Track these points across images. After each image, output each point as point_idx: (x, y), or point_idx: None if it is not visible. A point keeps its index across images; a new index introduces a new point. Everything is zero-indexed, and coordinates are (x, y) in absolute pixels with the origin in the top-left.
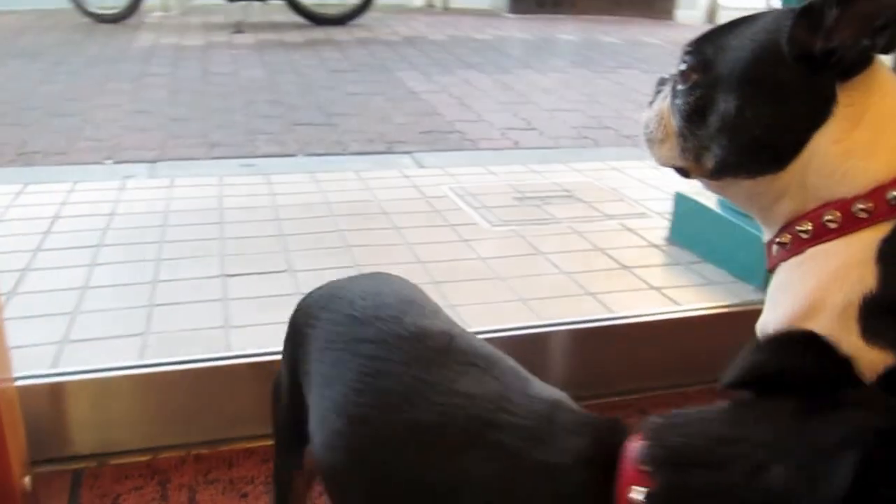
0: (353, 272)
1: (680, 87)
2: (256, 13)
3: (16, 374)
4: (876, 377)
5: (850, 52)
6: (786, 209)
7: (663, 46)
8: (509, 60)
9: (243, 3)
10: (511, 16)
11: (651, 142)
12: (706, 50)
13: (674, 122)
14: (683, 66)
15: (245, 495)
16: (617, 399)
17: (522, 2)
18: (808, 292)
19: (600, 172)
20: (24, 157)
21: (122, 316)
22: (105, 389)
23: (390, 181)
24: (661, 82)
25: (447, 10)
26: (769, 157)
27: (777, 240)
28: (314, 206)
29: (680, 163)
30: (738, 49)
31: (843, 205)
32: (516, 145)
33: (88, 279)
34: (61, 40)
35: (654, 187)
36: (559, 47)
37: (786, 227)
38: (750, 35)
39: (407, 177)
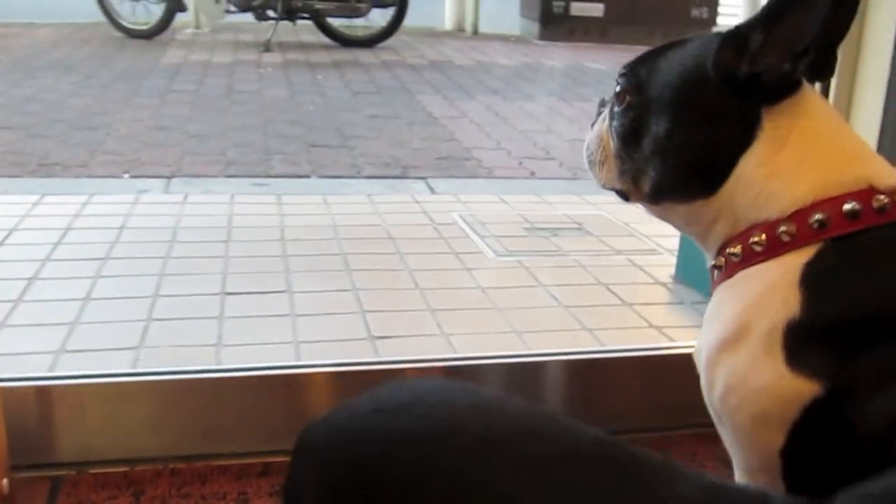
0: (350, 295)
1: (616, 109)
2: (286, 33)
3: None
4: (802, 409)
5: (772, 76)
6: (720, 233)
7: None
8: (534, 88)
9: (273, 22)
10: (541, 42)
11: (592, 164)
12: (640, 72)
13: (612, 145)
14: (618, 88)
15: None
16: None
17: (553, 29)
18: (736, 316)
19: (614, 206)
20: (45, 168)
21: (118, 329)
22: (89, 397)
23: (400, 206)
24: (602, 104)
25: (477, 34)
26: (700, 181)
27: (714, 263)
28: (321, 229)
29: (619, 185)
30: (668, 72)
31: (768, 227)
32: (532, 175)
33: (91, 291)
34: (93, 54)
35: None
36: (587, 76)
37: (721, 251)
38: (679, 58)
39: (418, 202)
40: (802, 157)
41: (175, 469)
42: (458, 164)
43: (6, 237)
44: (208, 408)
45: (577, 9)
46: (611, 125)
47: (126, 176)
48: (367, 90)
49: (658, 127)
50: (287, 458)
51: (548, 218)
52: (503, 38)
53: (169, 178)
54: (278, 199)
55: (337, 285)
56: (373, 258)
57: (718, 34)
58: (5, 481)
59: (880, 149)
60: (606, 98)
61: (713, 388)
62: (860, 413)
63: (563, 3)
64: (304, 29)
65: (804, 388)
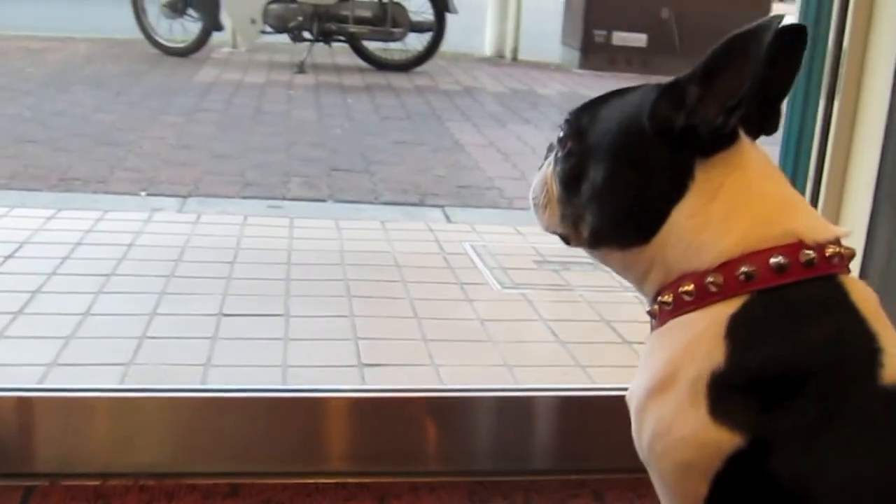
0: (346, 321)
1: (559, 154)
2: (322, 54)
3: None
4: (724, 459)
5: (706, 129)
6: (654, 281)
7: None
8: None
9: (308, 43)
10: (581, 71)
11: (536, 207)
12: (582, 119)
13: (555, 189)
14: (561, 134)
15: None
16: (573, 477)
17: (594, 58)
18: (664, 364)
19: None
20: (65, 182)
21: (112, 345)
22: (67, 411)
23: (412, 234)
24: (550, 148)
25: (516, 61)
26: (634, 229)
27: (648, 310)
28: (328, 253)
29: (561, 230)
30: (608, 120)
31: (697, 278)
32: None
33: (91, 306)
34: (126, 70)
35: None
36: None
37: (655, 299)
38: (619, 108)
39: (431, 230)
40: (732, 209)
41: (145, 486)
42: (479, 194)
43: (17, 250)
44: (183, 427)
45: (619, 38)
46: (554, 169)
47: (143, 193)
48: (396, 115)
49: (596, 174)
50: (257, 481)
51: (560, 252)
52: (543, 66)
53: (185, 197)
54: (290, 222)
55: (334, 311)
56: (375, 285)
57: (659, 85)
58: None
59: (882, 168)
60: (554, 143)
61: (641, 435)
62: (781, 467)
63: (604, 32)
64: (341, 51)
65: (726, 439)
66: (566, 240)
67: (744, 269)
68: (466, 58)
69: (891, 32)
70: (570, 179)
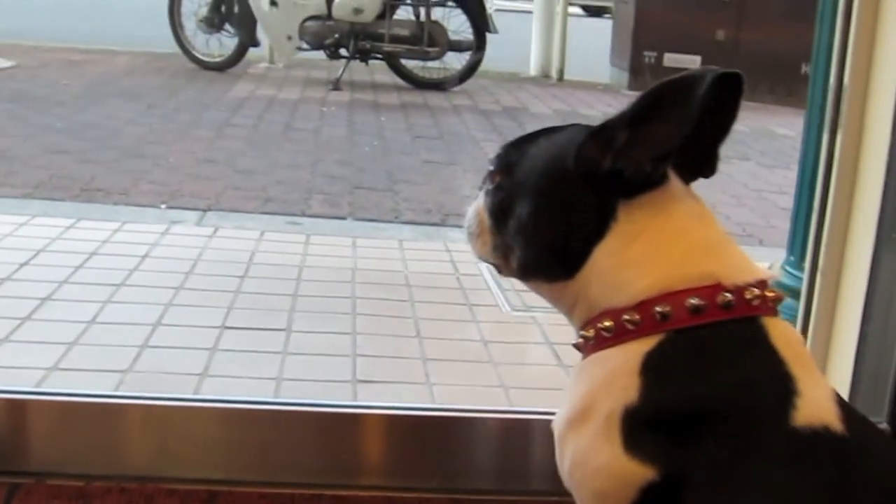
0: (347, 338)
1: (489, 186)
2: (360, 72)
3: None
4: (639, 491)
5: (633, 174)
6: (580, 315)
7: (796, 138)
8: None
9: (344, 60)
10: (629, 93)
11: (470, 235)
12: (511, 155)
13: (486, 220)
14: (491, 168)
15: None
16: (556, 499)
17: (644, 79)
18: (583, 396)
19: None
20: (87, 193)
21: (113, 352)
22: (57, 414)
23: (429, 254)
24: (484, 180)
25: (562, 81)
26: (559, 265)
27: (574, 343)
28: (340, 271)
29: (492, 259)
30: (535, 158)
31: (616, 315)
32: None
33: (97, 315)
34: (162, 84)
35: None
36: None
37: (579, 332)
38: (546, 146)
39: (448, 251)
40: (653, 251)
41: (125, 488)
42: None
43: (32, 258)
44: (166, 433)
45: (670, 60)
46: (485, 201)
47: (163, 206)
48: (428, 134)
49: (522, 209)
50: (234, 489)
51: None
52: (590, 87)
53: (204, 210)
54: (306, 239)
55: (337, 328)
56: (382, 304)
57: (588, 127)
58: None
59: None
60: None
61: (563, 462)
62: (692, 501)
63: (655, 53)
64: (379, 68)
65: (639, 472)
66: (498, 269)
67: (659, 308)
68: (510, 78)
69: (891, 68)
70: (499, 213)
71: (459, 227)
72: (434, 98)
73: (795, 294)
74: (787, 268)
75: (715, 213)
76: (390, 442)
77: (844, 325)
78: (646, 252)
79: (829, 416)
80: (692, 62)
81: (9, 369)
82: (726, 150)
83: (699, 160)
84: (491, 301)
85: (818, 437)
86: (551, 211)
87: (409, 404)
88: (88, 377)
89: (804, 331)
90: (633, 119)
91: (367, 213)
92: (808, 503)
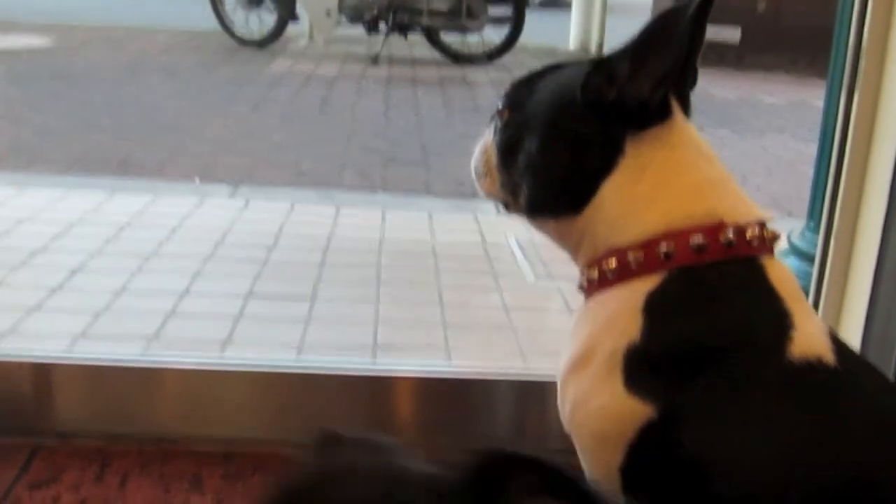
0: (370, 306)
1: (498, 124)
2: (400, 47)
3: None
4: (637, 430)
5: (634, 102)
6: (585, 254)
7: None
8: None
9: (383, 35)
10: None
11: (477, 175)
12: (521, 91)
13: (494, 158)
14: (500, 105)
15: (168, 490)
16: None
17: None
18: (586, 338)
19: None
20: (123, 168)
21: (140, 319)
22: (80, 377)
23: (458, 225)
24: (492, 118)
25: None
26: (566, 200)
27: (579, 284)
28: (367, 241)
29: (500, 197)
30: (543, 92)
31: (620, 254)
32: None
33: (126, 284)
34: (201, 61)
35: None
36: (709, 104)
37: (583, 273)
38: (555, 81)
39: (477, 222)
40: (659, 187)
41: (143, 449)
42: None
43: (66, 230)
44: (186, 396)
45: (710, 32)
46: (493, 139)
47: (197, 180)
48: (465, 108)
49: (530, 144)
50: (247, 449)
51: None
52: None
53: (237, 184)
54: (336, 211)
55: (361, 296)
56: (407, 273)
57: (592, 61)
58: None
59: None
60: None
61: (563, 406)
62: (687, 439)
63: None
64: (419, 43)
65: (638, 410)
66: (506, 206)
67: (664, 247)
68: (550, 52)
69: None
70: (508, 149)
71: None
72: (472, 73)
73: (813, 260)
74: (807, 233)
75: (746, 184)
76: (405, 403)
77: (856, 288)
78: (652, 189)
79: (823, 349)
80: (731, 34)
81: (38, 337)
82: (761, 123)
83: (683, 78)
84: (516, 270)
85: (812, 368)
86: (560, 144)
87: (426, 367)
88: (114, 345)
89: (817, 294)
90: (634, 51)
91: (398, 186)
92: (800, 431)
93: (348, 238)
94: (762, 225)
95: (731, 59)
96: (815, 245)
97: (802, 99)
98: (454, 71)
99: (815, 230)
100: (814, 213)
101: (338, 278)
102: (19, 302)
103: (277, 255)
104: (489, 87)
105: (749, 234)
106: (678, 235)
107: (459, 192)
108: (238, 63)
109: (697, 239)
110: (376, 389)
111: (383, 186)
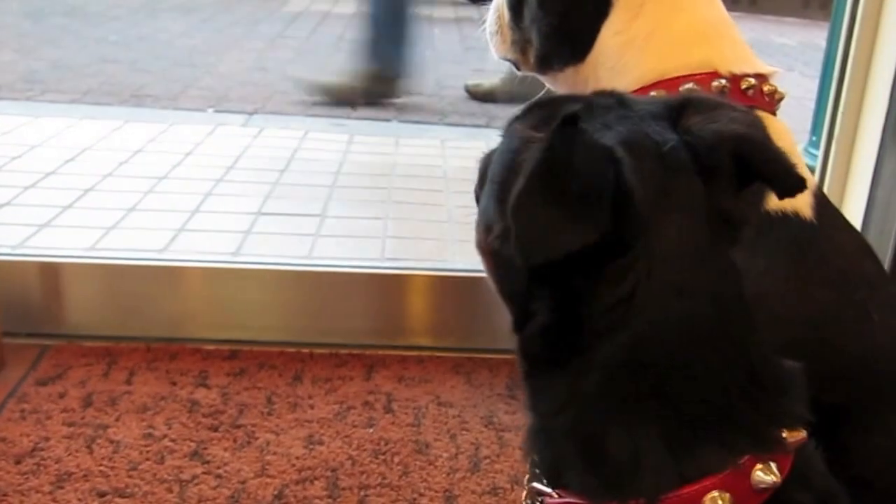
0: (379, 223)
1: None
2: None
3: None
4: None
5: None
6: None
7: None
8: None
9: None
10: None
11: (490, 35)
12: None
13: (505, 16)
14: None
15: (174, 383)
16: None
17: None
18: None
19: None
20: (136, 98)
21: (148, 235)
22: (88, 277)
23: (470, 152)
24: None
25: None
26: (569, 48)
27: None
28: (380, 166)
29: (511, 55)
30: None
31: None
32: None
33: (137, 203)
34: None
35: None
36: None
37: None
38: None
39: (489, 149)
40: (655, 29)
41: (151, 347)
42: None
43: (77, 154)
44: (192, 296)
45: None
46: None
47: (210, 110)
48: (480, 46)
49: None
50: (255, 348)
51: None
52: None
53: (251, 113)
54: (350, 138)
55: (371, 213)
56: (417, 194)
57: None
58: None
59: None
60: None
61: None
62: None
63: None
64: None
65: None
66: (517, 66)
67: (654, 94)
68: None
69: None
70: (516, 4)
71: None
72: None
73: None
74: (810, 149)
75: None
76: (403, 302)
77: (855, 191)
78: (648, 31)
79: (801, 205)
80: None
81: (48, 249)
82: (772, 61)
83: None
84: None
85: (785, 219)
86: None
87: (425, 266)
88: (127, 252)
89: None
90: None
91: (412, 115)
92: (766, 278)
93: (360, 162)
94: (762, 77)
95: (745, 3)
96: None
97: (812, 40)
98: (471, 11)
99: (817, 144)
100: (816, 127)
101: (349, 198)
102: (30, 220)
103: (288, 177)
104: None
105: (744, 84)
106: (670, 83)
107: (473, 121)
108: (255, 2)
109: (688, 87)
110: (384, 287)
111: (397, 115)
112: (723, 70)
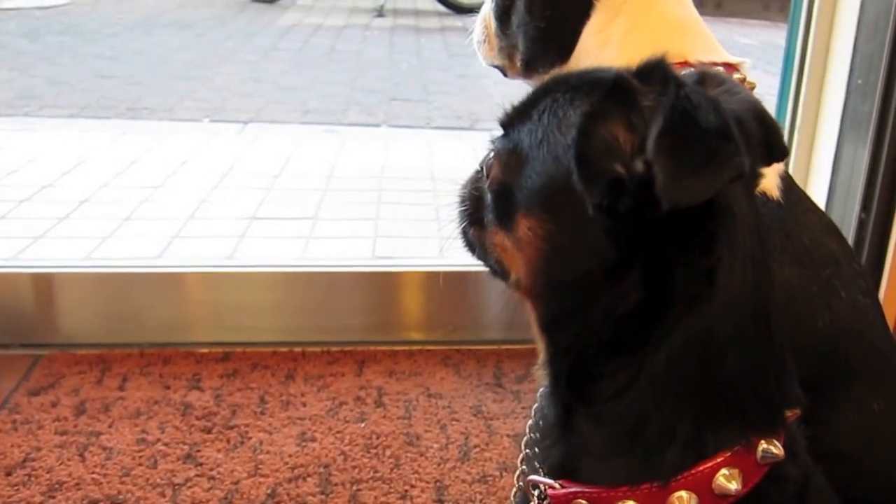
0: (370, 223)
1: None
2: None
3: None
4: None
5: None
6: None
7: None
8: None
9: None
10: None
11: (478, 43)
12: None
13: (492, 25)
14: None
15: (168, 387)
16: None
17: None
18: None
19: None
20: (133, 111)
21: (143, 244)
22: (79, 286)
23: (455, 153)
24: None
25: None
26: (554, 50)
27: None
28: (369, 169)
29: (498, 61)
30: None
31: None
32: None
33: (132, 213)
34: (213, 15)
35: None
36: None
37: None
38: None
39: (474, 150)
40: (632, 28)
41: (144, 353)
42: None
43: (75, 166)
44: (184, 301)
45: None
46: (491, 7)
47: (206, 120)
48: (466, 53)
49: (520, 2)
50: (248, 349)
51: None
52: None
53: (246, 123)
54: (341, 144)
55: (362, 214)
56: (406, 194)
57: None
58: None
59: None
60: None
61: None
62: None
63: None
64: None
65: None
66: (504, 72)
67: None
68: None
69: None
70: (503, 13)
71: (488, 130)
72: (473, 22)
73: None
74: None
75: None
76: (393, 298)
77: (818, 178)
78: (626, 30)
79: (769, 186)
80: None
81: (42, 260)
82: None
83: None
84: None
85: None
86: None
87: (414, 262)
88: (121, 259)
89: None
90: None
91: (400, 120)
92: None
93: (351, 166)
94: (731, 67)
95: (711, 5)
96: None
97: (773, 41)
98: (456, 21)
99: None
100: (779, 119)
101: (340, 200)
102: (26, 233)
103: (282, 182)
104: None
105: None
106: None
107: (458, 124)
108: (249, 16)
109: None
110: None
111: (386, 121)
112: (692, 60)
